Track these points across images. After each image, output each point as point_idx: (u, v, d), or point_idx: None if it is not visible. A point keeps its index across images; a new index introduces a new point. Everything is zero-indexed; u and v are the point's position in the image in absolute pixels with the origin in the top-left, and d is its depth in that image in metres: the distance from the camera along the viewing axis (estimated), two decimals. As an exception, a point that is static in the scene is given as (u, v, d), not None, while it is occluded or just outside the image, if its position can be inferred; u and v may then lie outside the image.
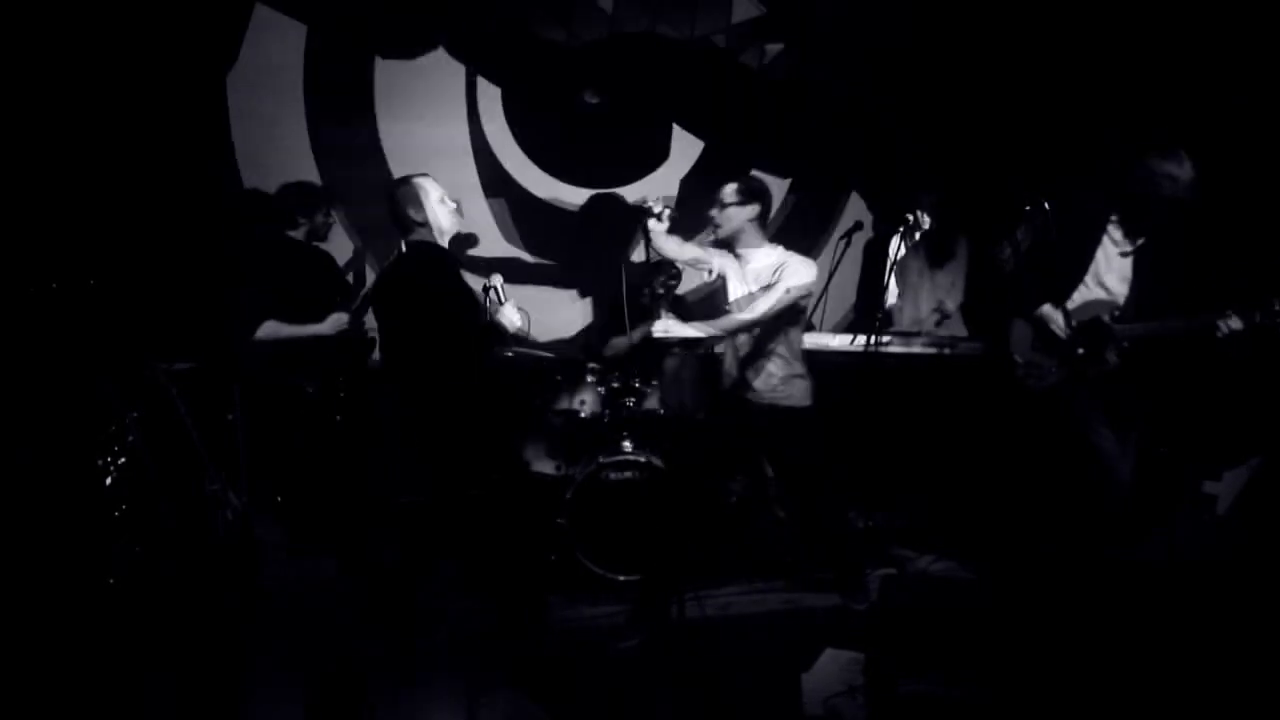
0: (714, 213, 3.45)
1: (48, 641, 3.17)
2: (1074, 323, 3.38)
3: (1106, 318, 3.35)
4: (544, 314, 5.31)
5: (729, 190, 3.42)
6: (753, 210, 3.40)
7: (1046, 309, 3.46)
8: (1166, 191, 3.15)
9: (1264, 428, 3.69)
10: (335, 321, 3.88)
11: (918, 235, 4.82)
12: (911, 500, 4.60)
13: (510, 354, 4.16)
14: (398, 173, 4.37)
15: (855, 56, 5.55)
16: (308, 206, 4.02)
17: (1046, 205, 3.43)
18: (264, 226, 4.12)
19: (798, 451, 3.52)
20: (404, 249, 3.39)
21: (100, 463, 3.61)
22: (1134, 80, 4.46)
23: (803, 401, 3.48)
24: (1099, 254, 3.41)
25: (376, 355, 4.02)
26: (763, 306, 3.35)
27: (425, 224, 3.34)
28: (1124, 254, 3.38)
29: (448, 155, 5.02)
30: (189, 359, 3.85)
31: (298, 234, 4.01)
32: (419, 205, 3.33)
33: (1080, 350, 3.38)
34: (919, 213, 4.71)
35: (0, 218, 4.02)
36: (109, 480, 3.61)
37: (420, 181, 3.39)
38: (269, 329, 3.77)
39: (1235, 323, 3.05)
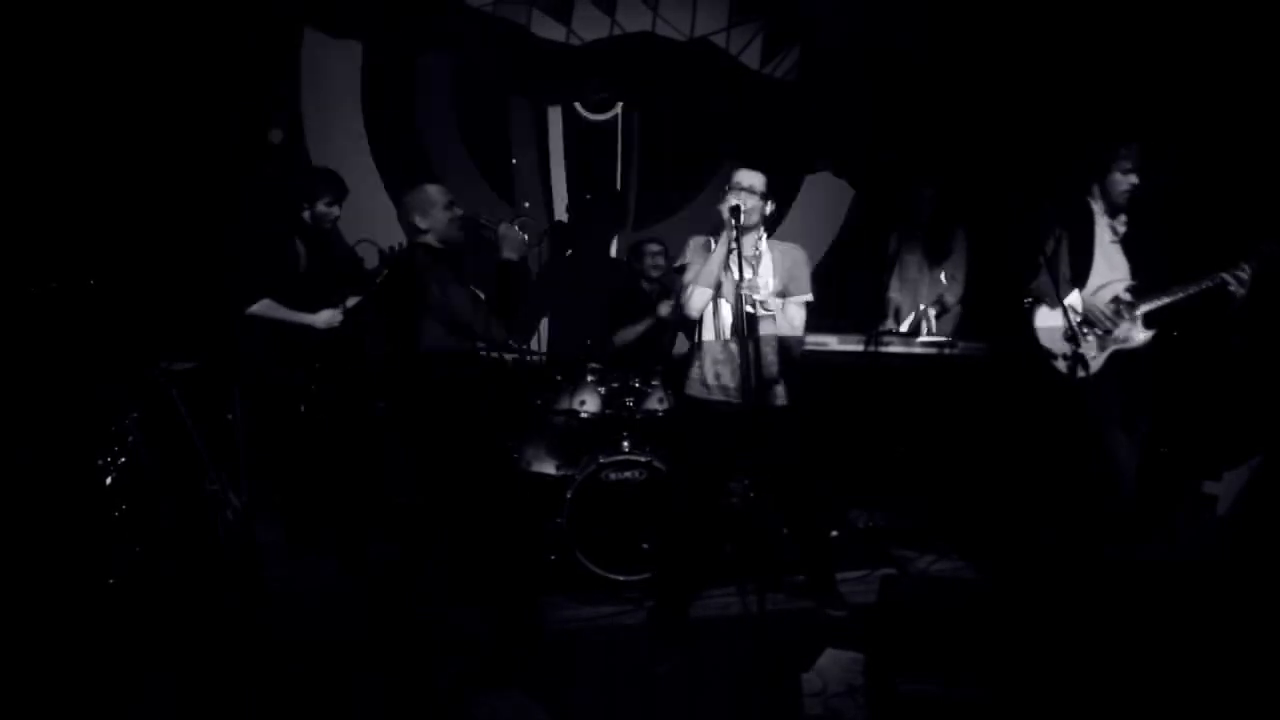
0: (756, 202, 3.35)
1: (48, 641, 3.17)
2: (1099, 305, 3.61)
3: (1128, 295, 3.59)
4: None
5: (759, 179, 3.39)
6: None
7: (1073, 297, 3.65)
8: (1126, 189, 3.59)
9: (1264, 427, 3.70)
10: (327, 318, 3.90)
11: (916, 231, 4.83)
12: (913, 500, 4.60)
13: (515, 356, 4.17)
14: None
15: (858, 57, 5.56)
16: (314, 194, 4.02)
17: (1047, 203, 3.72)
18: (276, 206, 4.15)
19: (777, 452, 3.50)
20: (405, 248, 3.41)
21: (100, 463, 3.61)
22: (1114, 83, 4.59)
23: (784, 401, 3.49)
24: (1096, 244, 3.66)
25: (371, 354, 4.04)
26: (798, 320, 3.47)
27: (428, 230, 3.36)
28: (1113, 242, 3.67)
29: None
30: (189, 359, 3.85)
31: (305, 218, 4.02)
32: (424, 211, 3.35)
33: (1109, 330, 3.59)
34: (916, 208, 4.73)
35: (0, 218, 4.02)
36: (109, 480, 3.61)
37: (429, 189, 3.41)
38: (263, 306, 3.85)
39: (1242, 272, 3.34)
